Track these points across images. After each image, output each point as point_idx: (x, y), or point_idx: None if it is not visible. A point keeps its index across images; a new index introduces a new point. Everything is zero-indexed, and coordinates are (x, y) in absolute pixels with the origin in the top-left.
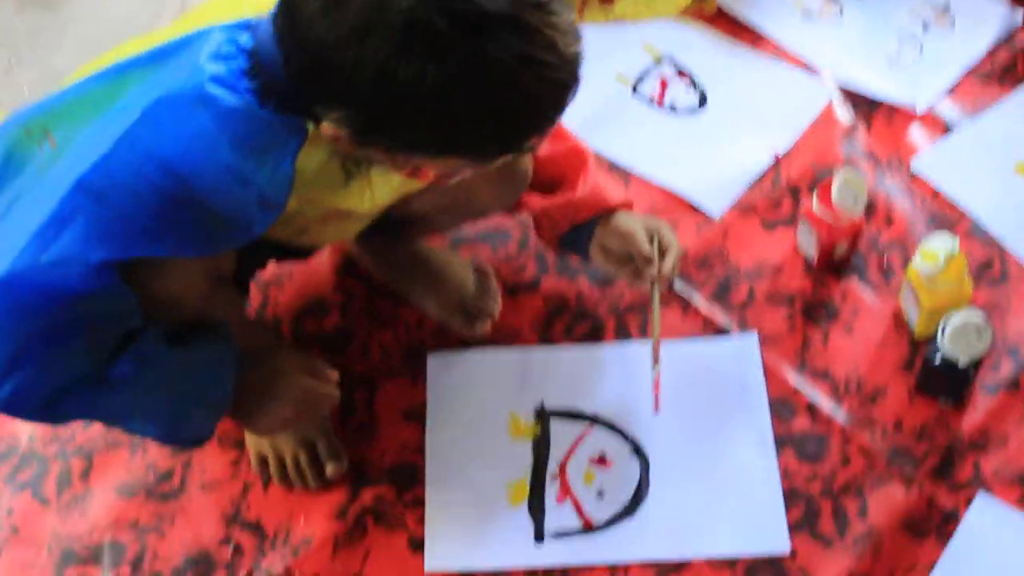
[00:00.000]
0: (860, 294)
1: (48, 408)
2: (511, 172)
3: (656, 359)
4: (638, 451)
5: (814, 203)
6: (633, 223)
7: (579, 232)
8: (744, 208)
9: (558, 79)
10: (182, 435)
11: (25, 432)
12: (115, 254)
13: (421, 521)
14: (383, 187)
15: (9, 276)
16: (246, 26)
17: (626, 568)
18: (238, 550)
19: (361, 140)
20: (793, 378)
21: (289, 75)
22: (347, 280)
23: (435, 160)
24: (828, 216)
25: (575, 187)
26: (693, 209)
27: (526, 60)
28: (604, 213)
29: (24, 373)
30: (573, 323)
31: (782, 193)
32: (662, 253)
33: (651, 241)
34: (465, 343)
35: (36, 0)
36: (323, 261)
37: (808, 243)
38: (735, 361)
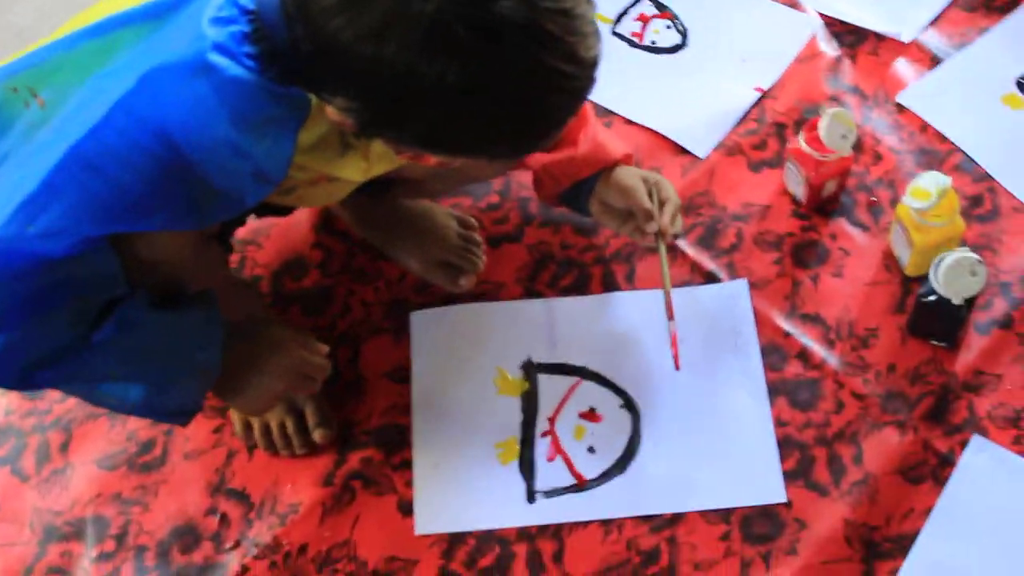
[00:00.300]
0: (849, 234)
1: (26, 376)
2: None
3: (671, 315)
4: (629, 404)
5: (801, 142)
6: (633, 178)
7: (579, 188)
8: (730, 148)
9: (574, 88)
10: (167, 405)
11: (0, 406)
12: (106, 228)
13: (410, 484)
14: (380, 160)
15: None
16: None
17: (620, 524)
18: (224, 520)
19: (367, 131)
20: (784, 323)
21: (296, 55)
22: (326, 237)
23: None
24: (816, 154)
25: (576, 143)
26: (678, 150)
27: (543, 69)
28: (605, 168)
29: (3, 339)
30: (559, 274)
31: (768, 132)
32: (660, 206)
33: (650, 196)
34: (449, 298)
35: None
36: (301, 218)
37: (796, 183)
38: (725, 308)
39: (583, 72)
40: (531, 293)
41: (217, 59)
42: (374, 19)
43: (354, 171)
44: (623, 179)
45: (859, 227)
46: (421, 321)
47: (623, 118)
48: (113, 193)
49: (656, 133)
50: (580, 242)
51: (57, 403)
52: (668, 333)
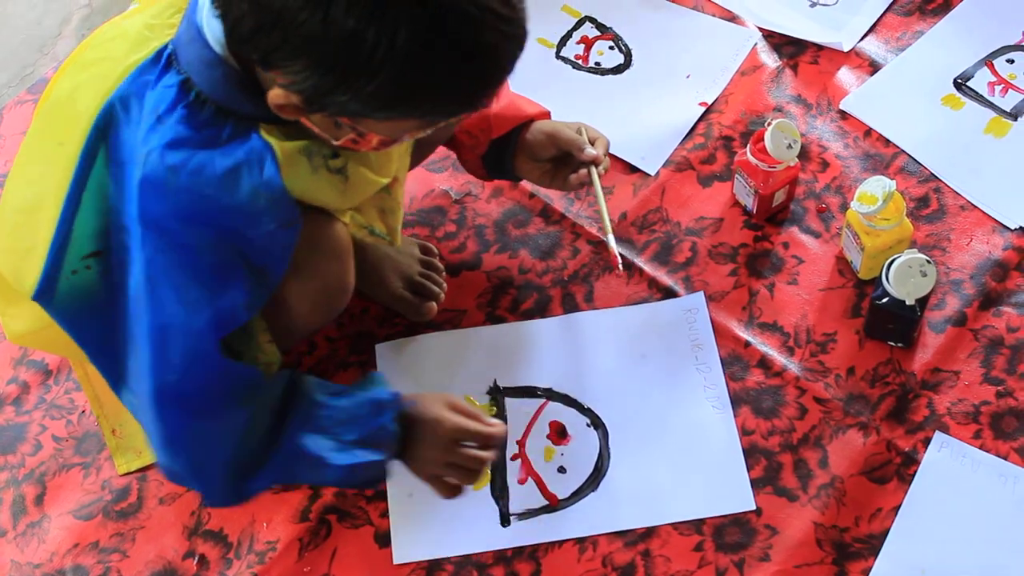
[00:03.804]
0: (802, 242)
1: (240, 488)
2: None
3: (608, 229)
4: (596, 422)
5: (748, 154)
6: (556, 123)
7: (501, 152)
8: (679, 164)
9: (514, 33)
10: (358, 477)
11: None
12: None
13: (385, 515)
14: (361, 186)
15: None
16: (156, 61)
17: (594, 541)
18: (203, 562)
19: (310, 106)
20: (743, 333)
21: (238, 39)
22: None
23: (384, 123)
24: (763, 165)
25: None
26: (628, 169)
27: (487, 11)
28: (522, 123)
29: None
30: (519, 298)
31: (715, 145)
32: (591, 143)
33: (577, 133)
34: (413, 328)
35: None
36: None
37: (745, 194)
38: (684, 322)
39: (518, 15)
40: (493, 318)
41: (174, 157)
42: None
43: (331, 195)
44: (545, 126)
45: (811, 234)
46: (387, 352)
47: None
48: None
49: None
50: (538, 265)
51: (29, 456)
52: (609, 248)
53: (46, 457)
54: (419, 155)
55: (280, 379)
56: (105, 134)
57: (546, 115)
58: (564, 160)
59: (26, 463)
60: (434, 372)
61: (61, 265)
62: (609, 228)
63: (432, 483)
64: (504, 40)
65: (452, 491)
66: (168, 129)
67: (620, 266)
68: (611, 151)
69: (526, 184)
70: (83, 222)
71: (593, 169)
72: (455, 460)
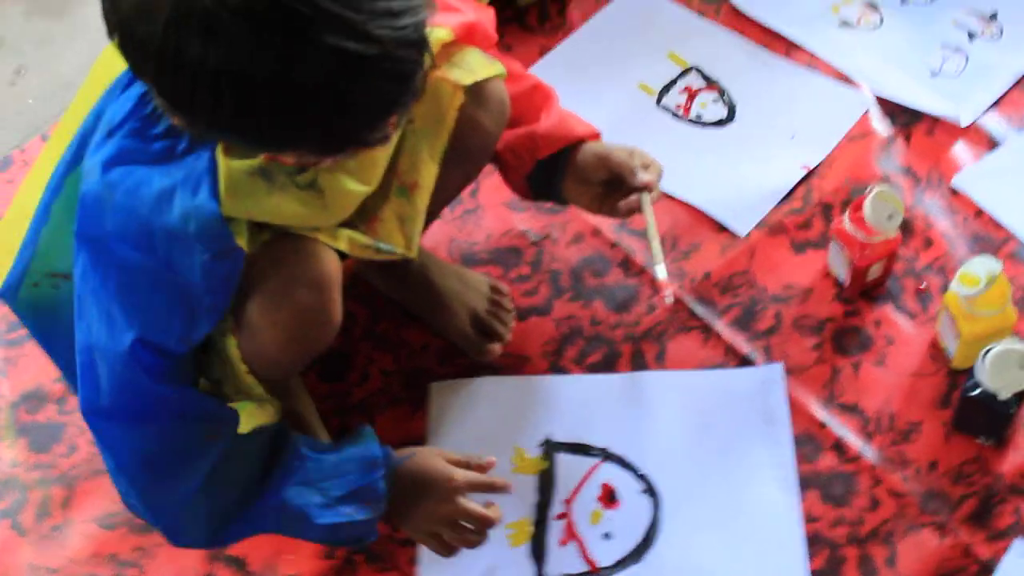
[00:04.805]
0: (895, 321)
1: (217, 533)
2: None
3: (658, 259)
4: (650, 490)
5: (845, 220)
6: (607, 146)
7: (549, 172)
8: (772, 228)
9: (376, 70)
10: (342, 537)
11: (7, 458)
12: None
13: (414, 561)
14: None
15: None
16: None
17: None
18: None
19: (171, 115)
20: (820, 412)
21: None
22: (349, 301)
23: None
24: (860, 234)
25: (538, 119)
26: (717, 228)
27: (323, 50)
28: (571, 144)
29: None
30: (586, 350)
31: (813, 211)
32: (644, 167)
33: (630, 156)
34: (471, 368)
35: (44, 8)
36: None
37: (839, 265)
38: (758, 393)
39: (384, 52)
40: (556, 368)
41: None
42: None
43: (307, 213)
44: (597, 148)
45: (906, 314)
46: (441, 392)
47: (663, 193)
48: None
49: (694, 209)
50: (611, 318)
51: (62, 457)
52: (657, 279)
53: (79, 461)
54: (459, 171)
55: (268, 430)
56: (84, 149)
57: (597, 136)
58: (615, 184)
59: (58, 464)
60: (487, 418)
61: (25, 273)
62: (660, 257)
63: (426, 541)
64: (362, 83)
65: (449, 549)
66: (113, 144)
67: (668, 297)
68: (702, 207)
69: (608, 232)
70: (51, 235)
71: (645, 195)
72: (456, 515)
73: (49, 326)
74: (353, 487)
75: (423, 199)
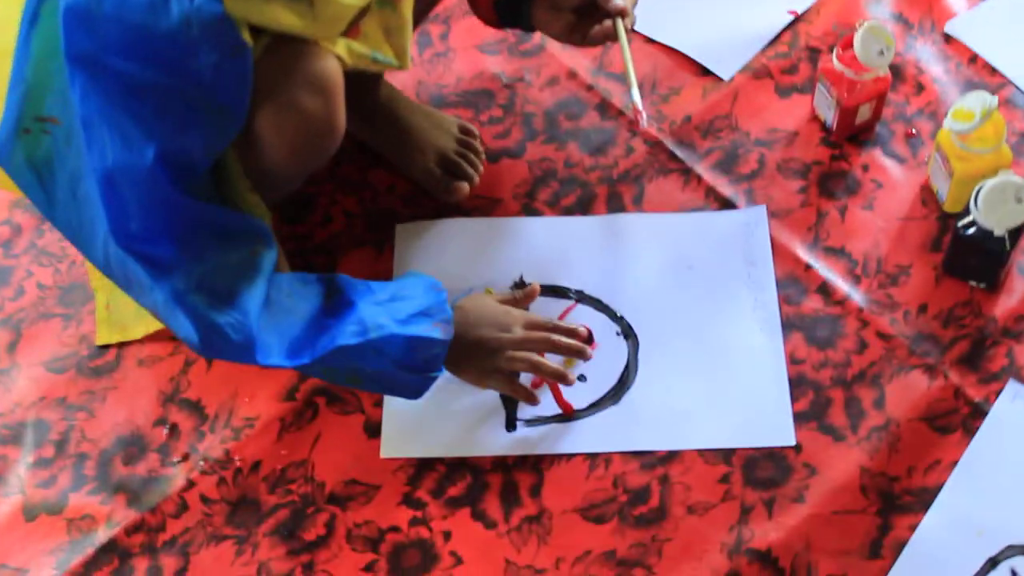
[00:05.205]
0: (883, 166)
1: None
2: None
3: (632, 83)
4: (628, 332)
5: (834, 58)
6: None
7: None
8: (757, 72)
9: None
10: (417, 359)
11: None
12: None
13: (379, 404)
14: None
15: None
16: None
17: (607, 458)
18: (174, 431)
19: None
20: (805, 255)
21: None
22: None
23: None
24: (849, 72)
25: None
26: (699, 71)
27: None
28: None
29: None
30: (560, 192)
31: (799, 55)
32: None
33: None
34: (440, 210)
35: None
36: None
37: (826, 107)
38: (741, 236)
39: None
40: (529, 211)
41: None
42: None
43: (295, 20)
44: None
45: (895, 159)
46: (407, 233)
47: (643, 36)
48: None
49: (676, 53)
50: (586, 160)
51: (9, 301)
52: (631, 103)
53: (27, 304)
54: None
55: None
56: None
57: None
58: (587, 12)
59: (5, 308)
60: (456, 260)
61: (17, 120)
62: (634, 81)
63: (501, 382)
64: None
65: (529, 394)
66: None
67: (644, 121)
68: (685, 50)
69: (584, 75)
70: (36, 73)
71: (619, 21)
72: (525, 344)
73: (49, 183)
74: (423, 306)
75: (409, 8)
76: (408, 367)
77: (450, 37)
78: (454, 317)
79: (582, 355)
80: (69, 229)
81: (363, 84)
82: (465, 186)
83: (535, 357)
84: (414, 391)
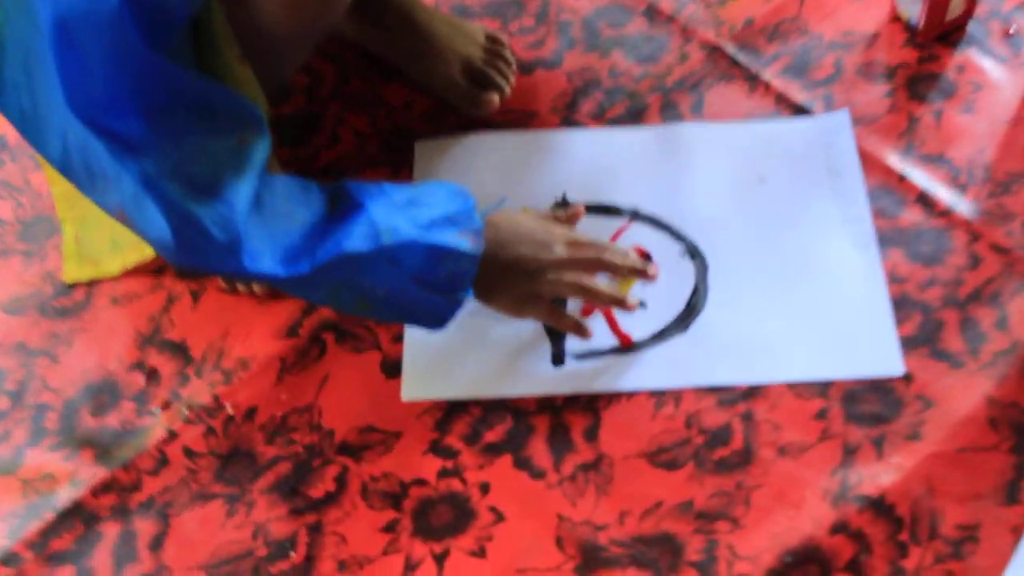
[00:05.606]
0: (981, 67)
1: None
2: None
3: None
4: (693, 251)
5: None
6: None
7: None
8: None
9: None
10: (442, 273)
11: None
12: None
13: (400, 339)
14: None
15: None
16: None
17: (677, 396)
18: (153, 376)
19: None
20: (897, 164)
21: None
22: (315, 59)
23: None
24: None
25: None
26: None
27: None
28: None
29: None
30: (605, 103)
31: None
32: None
33: None
34: (466, 126)
35: None
36: None
37: (911, 1)
38: (820, 144)
39: None
40: (570, 123)
41: None
42: None
43: None
44: None
45: (994, 58)
46: (428, 150)
47: None
48: None
49: None
50: (634, 69)
51: None
52: None
53: None
54: None
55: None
56: None
57: None
58: None
59: None
60: (487, 180)
61: None
62: None
63: (543, 310)
64: None
65: (579, 326)
66: None
67: None
68: None
69: None
70: None
71: None
72: (585, 263)
73: None
74: (448, 212)
75: None
76: (430, 284)
77: None
78: (485, 233)
79: (644, 274)
80: (21, 118)
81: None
82: (495, 97)
83: (584, 279)
84: (437, 318)
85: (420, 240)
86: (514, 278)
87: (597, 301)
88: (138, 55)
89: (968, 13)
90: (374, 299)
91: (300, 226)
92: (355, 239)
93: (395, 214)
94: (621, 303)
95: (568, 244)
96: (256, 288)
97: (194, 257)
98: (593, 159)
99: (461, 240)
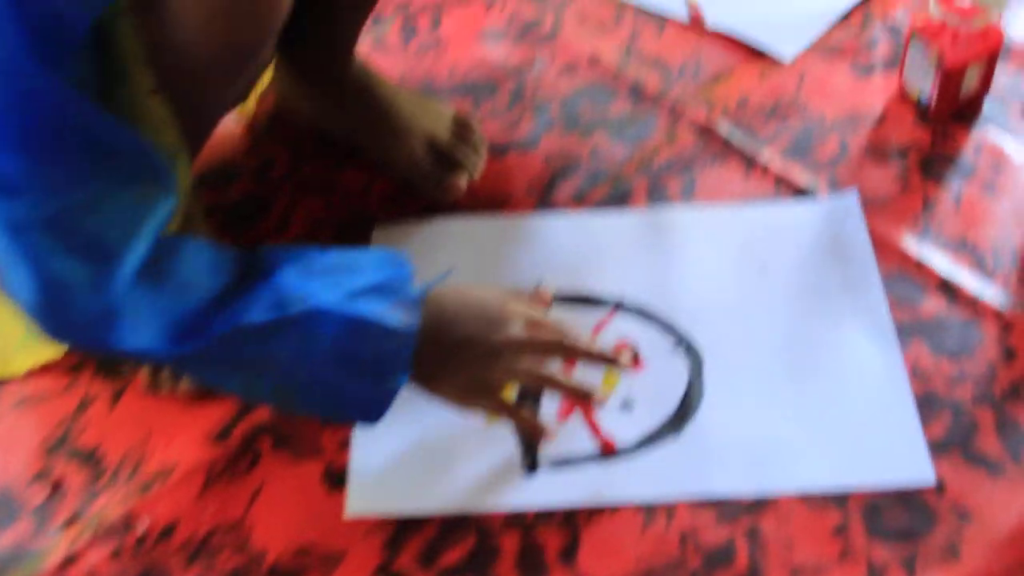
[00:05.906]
0: (1000, 146)
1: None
2: None
3: None
4: (686, 345)
5: (932, 5)
6: None
7: None
8: (826, 50)
9: None
10: (366, 353)
11: None
12: None
13: (346, 445)
14: None
15: None
16: None
17: (670, 509)
18: (57, 490)
19: None
20: (914, 248)
21: None
22: (267, 143)
23: None
24: (954, 19)
25: None
26: (751, 55)
27: None
28: None
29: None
30: (586, 186)
31: (877, 32)
32: None
33: None
34: (429, 212)
35: None
36: (228, 124)
37: (922, 75)
38: (827, 228)
39: None
40: (547, 208)
41: None
42: None
43: None
44: None
45: (1015, 136)
46: (387, 237)
47: (673, 21)
48: None
49: (721, 36)
50: (618, 151)
51: None
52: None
53: None
54: None
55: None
56: None
57: None
58: None
59: None
60: (453, 268)
61: None
62: None
63: (493, 403)
64: None
65: (535, 426)
66: None
67: (704, 19)
68: (730, 33)
69: (610, 60)
70: None
71: None
72: (547, 346)
73: None
74: (375, 280)
75: None
76: (355, 367)
77: (441, 26)
78: (426, 309)
79: (616, 362)
80: None
81: (327, 53)
82: (462, 179)
83: (543, 366)
84: (366, 409)
85: (336, 311)
86: (460, 362)
87: (560, 392)
88: (24, 72)
89: (984, 89)
90: (292, 386)
91: (199, 298)
92: (253, 309)
93: (310, 281)
94: (586, 396)
95: (526, 324)
96: (181, 387)
97: (61, 324)
98: (573, 246)
99: (390, 314)
